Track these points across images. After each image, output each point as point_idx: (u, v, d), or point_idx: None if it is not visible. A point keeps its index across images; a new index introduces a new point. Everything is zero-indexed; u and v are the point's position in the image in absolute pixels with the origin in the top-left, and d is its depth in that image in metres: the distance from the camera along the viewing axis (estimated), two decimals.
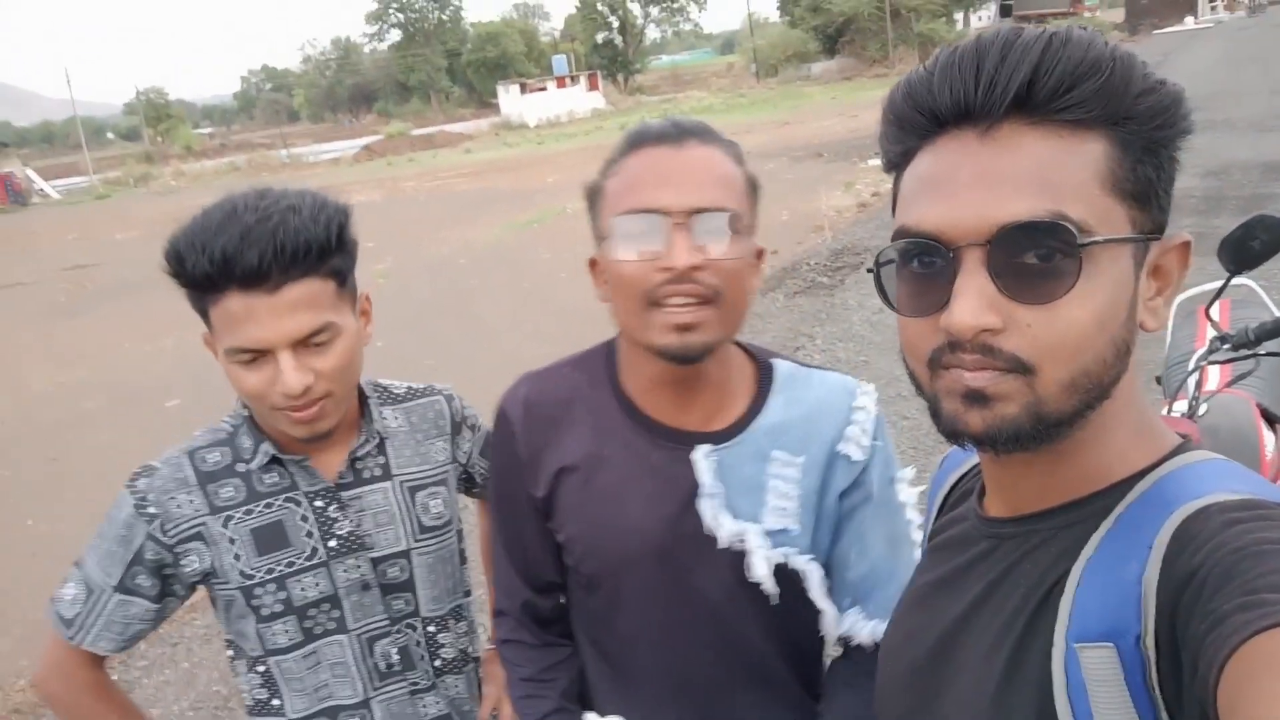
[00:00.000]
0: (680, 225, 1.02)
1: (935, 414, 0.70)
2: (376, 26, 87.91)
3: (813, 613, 1.18)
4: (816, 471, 1.14)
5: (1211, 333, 2.00)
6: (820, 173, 13.78)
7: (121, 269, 13.68)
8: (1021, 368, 0.64)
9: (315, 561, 1.27)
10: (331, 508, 1.28)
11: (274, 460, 1.26)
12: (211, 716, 3.21)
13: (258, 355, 1.14)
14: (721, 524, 1.11)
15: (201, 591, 1.31)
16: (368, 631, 1.31)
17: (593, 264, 1.15)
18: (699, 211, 1.02)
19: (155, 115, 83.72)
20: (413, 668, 1.35)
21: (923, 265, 0.68)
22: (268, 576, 1.25)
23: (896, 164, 0.74)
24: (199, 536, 1.23)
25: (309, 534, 1.26)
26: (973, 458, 0.93)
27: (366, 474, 1.31)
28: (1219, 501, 0.61)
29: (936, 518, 0.93)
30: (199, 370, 7.64)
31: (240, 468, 1.26)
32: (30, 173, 39.32)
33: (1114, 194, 0.64)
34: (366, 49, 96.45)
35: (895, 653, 0.86)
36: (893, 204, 0.75)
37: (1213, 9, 48.80)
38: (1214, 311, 2.05)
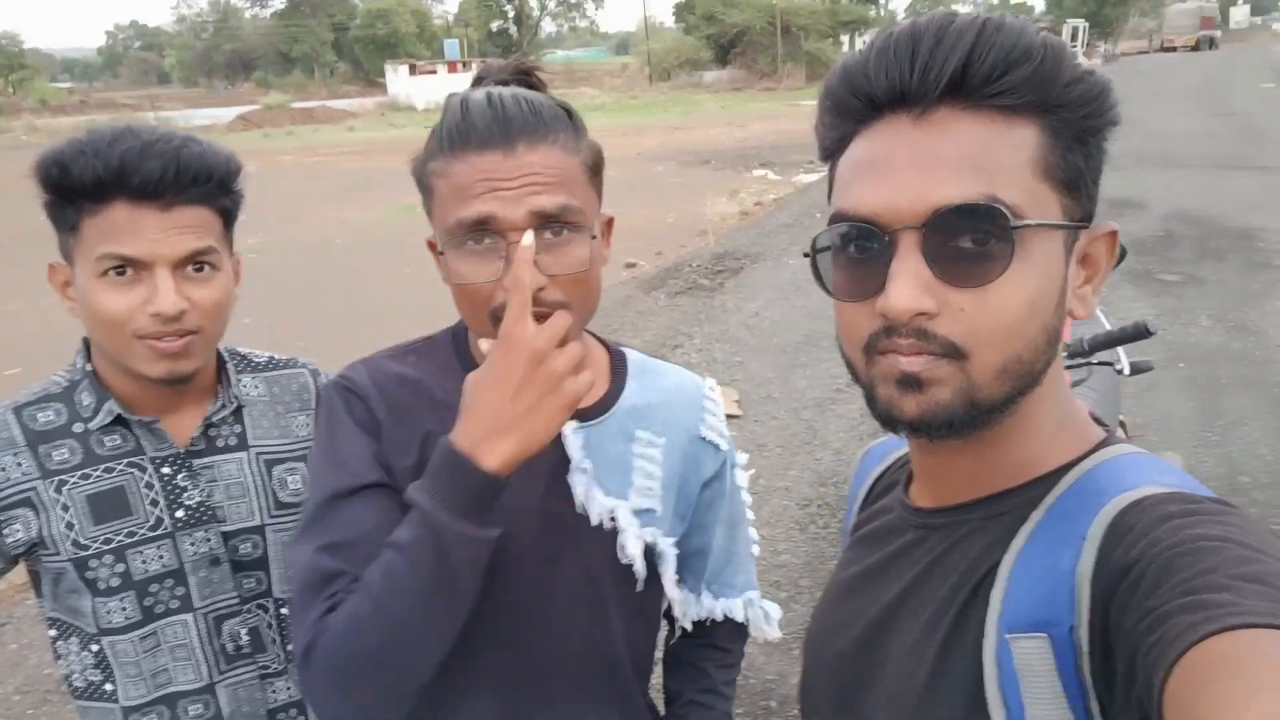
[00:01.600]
0: (517, 244, 0.93)
1: (870, 400, 0.70)
2: None
3: (656, 612, 1.19)
4: (678, 455, 1.15)
5: None
6: (707, 179, 14.04)
7: None
8: (955, 352, 0.64)
9: (160, 532, 1.18)
10: (180, 475, 1.20)
11: (117, 421, 1.17)
12: (41, 700, 3.03)
13: (131, 271, 1.08)
14: (594, 498, 1.07)
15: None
16: (215, 610, 1.23)
17: (431, 245, 1.06)
18: (540, 222, 0.95)
19: (7, 64, 77.48)
20: (263, 650, 1.28)
21: (859, 250, 0.68)
22: (105, 547, 1.15)
23: (832, 151, 0.74)
24: (27, 503, 1.13)
25: (154, 502, 1.18)
26: (895, 452, 0.94)
27: (221, 442, 1.24)
28: (1152, 494, 0.62)
29: (860, 510, 0.93)
30: (46, 339, 7.16)
31: (77, 428, 1.16)
32: None
33: (1046, 180, 0.65)
34: (248, 14, 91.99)
35: (821, 642, 0.86)
36: (828, 191, 0.75)
37: (1074, 56, 52.06)
38: None
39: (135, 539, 1.17)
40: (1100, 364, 2.15)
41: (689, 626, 1.24)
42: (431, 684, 0.99)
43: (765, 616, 1.25)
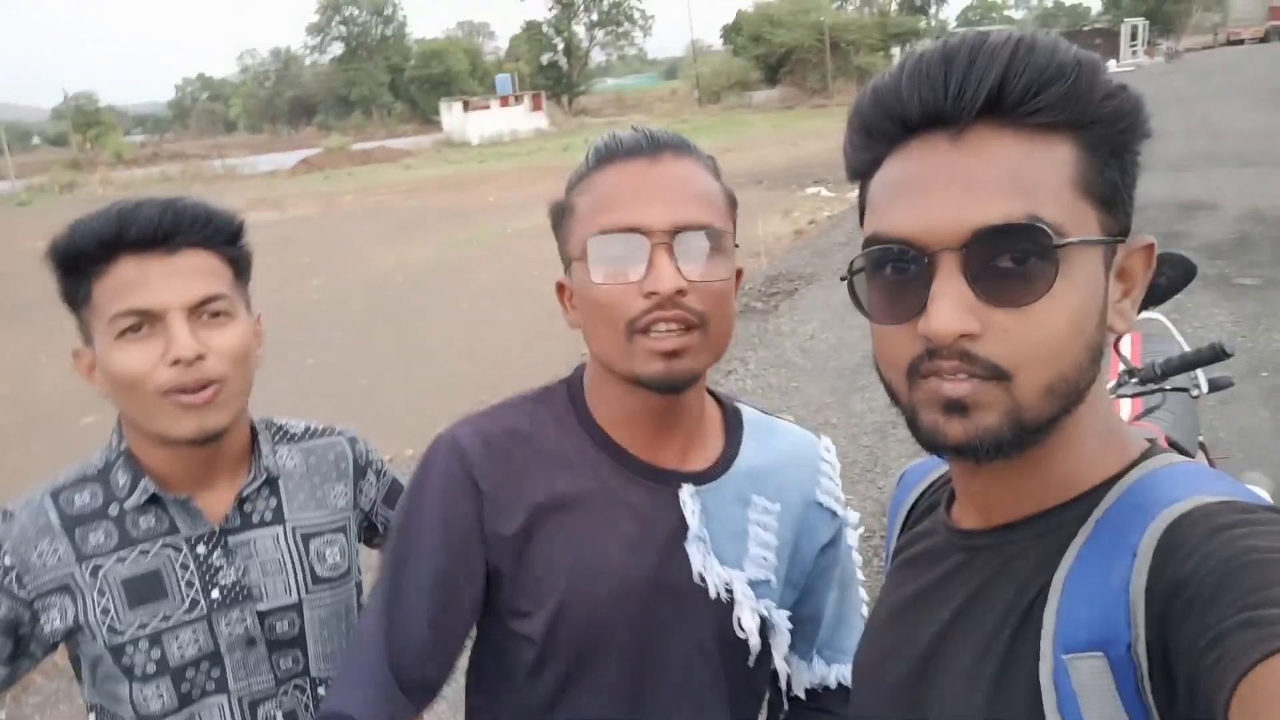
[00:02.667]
0: (662, 245, 0.93)
1: (913, 424, 0.69)
2: (318, 38, 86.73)
3: (764, 684, 1.14)
4: (791, 522, 1.09)
5: (1121, 366, 2.07)
6: (760, 200, 13.95)
7: (41, 280, 13.13)
8: (999, 373, 0.63)
9: (195, 615, 1.14)
10: (215, 554, 1.16)
11: (152, 500, 1.14)
12: None
13: (145, 324, 1.06)
14: (712, 569, 1.02)
15: None
16: (250, 693, 1.19)
17: (560, 288, 1.06)
18: (681, 230, 0.94)
19: (84, 121, 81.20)
20: None
21: (897, 271, 0.67)
22: (140, 633, 1.12)
23: (863, 173, 0.73)
24: (65, 589, 1.10)
25: (189, 584, 1.14)
26: (933, 473, 0.92)
27: (256, 517, 1.20)
28: (1202, 505, 0.61)
29: (900, 534, 0.92)
30: None
31: (112, 510, 1.14)
32: None
33: (1084, 197, 0.65)
34: (307, 61, 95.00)
35: (871, 673, 0.85)
36: (860, 213, 0.74)
37: (1134, 54, 50.90)
38: (1124, 345, 2.12)
39: (171, 623, 1.14)
40: (1175, 390, 2.03)
41: (802, 695, 1.18)
42: None
43: None
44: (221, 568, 1.17)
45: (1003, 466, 0.69)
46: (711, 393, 1.13)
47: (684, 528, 1.03)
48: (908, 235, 0.66)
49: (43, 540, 1.11)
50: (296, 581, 1.22)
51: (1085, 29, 54.36)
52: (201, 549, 1.16)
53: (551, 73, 70.75)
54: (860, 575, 1.20)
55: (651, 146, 0.98)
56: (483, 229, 14.18)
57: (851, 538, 1.18)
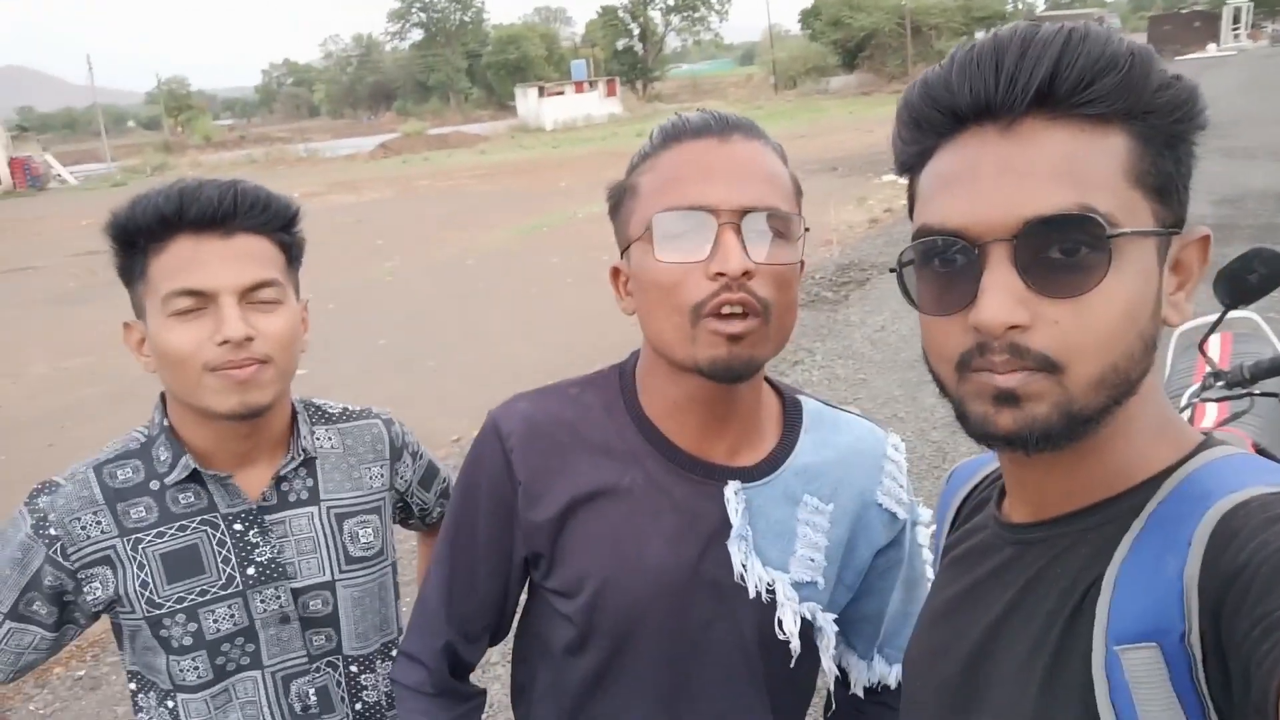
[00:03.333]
0: (729, 225, 0.90)
1: (962, 416, 0.69)
2: (399, 25, 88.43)
3: (810, 682, 1.13)
4: (846, 522, 1.06)
5: (1207, 368, 1.95)
6: (834, 186, 13.74)
7: None
8: (1050, 366, 0.63)
9: (231, 590, 1.17)
10: (252, 532, 1.18)
11: (192, 477, 1.16)
12: None
13: (197, 304, 1.08)
14: (753, 569, 1.00)
15: None
16: (284, 669, 1.21)
17: (614, 273, 1.03)
18: (750, 211, 0.91)
19: (176, 105, 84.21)
20: (331, 710, 1.25)
21: (946, 263, 0.67)
22: (177, 606, 1.15)
23: (911, 166, 0.73)
24: (106, 560, 1.13)
25: (225, 560, 1.17)
26: (983, 470, 0.92)
27: (292, 497, 1.22)
28: (1258, 495, 0.60)
29: (950, 532, 0.91)
30: None
31: (153, 485, 1.16)
32: (49, 158, 39.55)
33: (1138, 187, 0.64)
34: (388, 47, 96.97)
35: (922, 670, 0.84)
36: (909, 206, 0.74)
37: (1235, 37, 48.61)
38: (1211, 346, 2.00)
39: (207, 598, 1.16)
40: (1264, 395, 1.91)
41: (860, 694, 1.16)
42: None
43: None
44: (257, 545, 1.19)
45: (1054, 458, 0.68)
46: (773, 384, 1.10)
47: (727, 525, 1.01)
48: (958, 226, 0.65)
49: (86, 512, 1.14)
50: (330, 561, 1.24)
51: (1183, 11, 52.06)
52: (239, 526, 1.18)
53: (627, 58, 70.76)
54: (930, 573, 1.14)
55: (721, 127, 0.96)
56: (553, 214, 14.28)
57: (923, 536, 1.14)
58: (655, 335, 0.97)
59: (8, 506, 1.20)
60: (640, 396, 1.05)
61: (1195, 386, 2.07)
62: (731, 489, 1.01)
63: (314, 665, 1.24)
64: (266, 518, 1.20)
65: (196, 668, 1.17)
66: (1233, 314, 1.77)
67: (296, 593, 1.21)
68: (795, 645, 1.03)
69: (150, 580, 1.15)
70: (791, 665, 1.05)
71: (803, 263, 1.00)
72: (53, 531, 1.13)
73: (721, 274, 0.89)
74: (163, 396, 1.21)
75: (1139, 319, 0.64)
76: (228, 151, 49.02)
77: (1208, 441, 0.70)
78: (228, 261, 1.09)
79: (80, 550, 1.13)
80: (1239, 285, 1.63)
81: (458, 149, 37.08)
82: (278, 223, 1.15)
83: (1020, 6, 57.45)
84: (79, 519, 1.13)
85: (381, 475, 1.30)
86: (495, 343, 7.49)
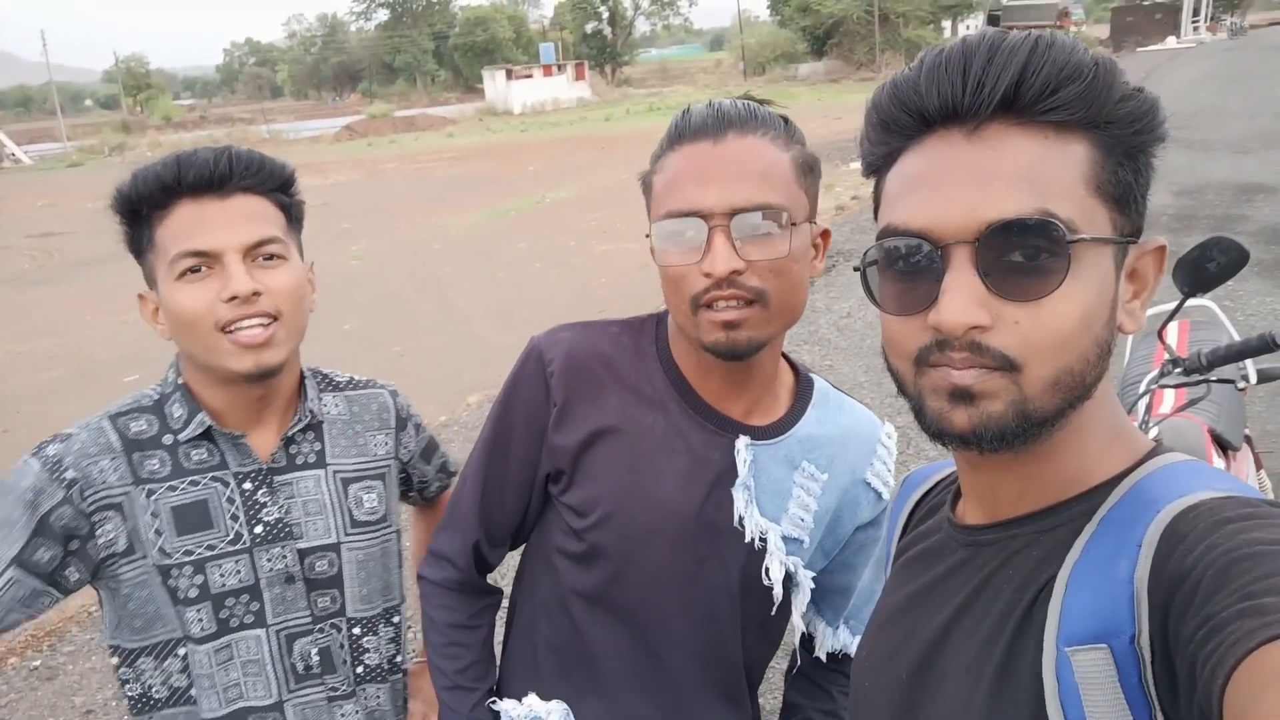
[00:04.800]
0: (719, 228, 0.98)
1: (919, 412, 0.70)
2: (364, 5, 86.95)
3: (779, 635, 1.22)
4: (835, 494, 1.15)
5: (1165, 355, 1.99)
6: None
7: (91, 239, 13.44)
8: (1008, 365, 0.64)
9: (238, 547, 1.19)
10: (260, 491, 1.21)
11: (204, 435, 1.19)
12: None
13: (204, 264, 1.12)
14: (752, 515, 1.11)
15: None
16: (287, 628, 1.23)
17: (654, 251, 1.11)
18: (739, 212, 0.98)
19: (135, 84, 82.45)
20: (333, 671, 1.27)
21: (909, 264, 0.68)
22: (185, 559, 1.17)
23: (878, 167, 0.74)
24: (119, 507, 1.15)
25: (234, 517, 1.19)
26: (937, 475, 0.93)
27: (300, 459, 1.25)
28: (1206, 500, 0.61)
29: (902, 535, 0.93)
30: (161, 345, 7.52)
31: (166, 439, 1.18)
32: (2, 136, 38.60)
33: (1097, 196, 0.65)
34: (353, 27, 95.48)
35: (873, 670, 0.85)
36: (875, 206, 0.75)
37: (1195, 30, 49.32)
38: (1170, 333, 2.05)
39: (215, 552, 1.19)
40: (1220, 381, 1.95)
41: (823, 657, 1.26)
42: (569, 663, 1.18)
43: None
44: (265, 504, 1.22)
45: (1008, 460, 0.70)
46: (791, 362, 1.20)
47: (733, 474, 1.11)
48: (921, 228, 0.67)
49: (104, 458, 1.15)
50: (336, 524, 1.26)
51: (1145, 3, 52.72)
52: (248, 485, 1.21)
53: (596, 42, 70.29)
54: None
55: (716, 126, 1.02)
56: (522, 198, 14.19)
57: None
58: (672, 314, 1.08)
59: None
60: (672, 348, 1.15)
61: (1154, 373, 2.12)
62: (743, 442, 1.11)
63: (318, 626, 1.26)
64: (275, 478, 1.23)
65: (201, 619, 1.19)
66: (1191, 302, 1.81)
67: (302, 553, 1.24)
68: (778, 591, 1.13)
69: (162, 530, 1.17)
70: (772, 613, 1.14)
71: (827, 231, 1.10)
72: (70, 475, 1.13)
73: (710, 274, 0.98)
74: (177, 356, 1.24)
75: (1094, 324, 0.65)
76: (188, 132, 48.06)
77: (1159, 448, 0.71)
78: (229, 221, 1.13)
79: (97, 494, 1.14)
80: (1198, 273, 1.66)
81: (425, 132, 36.68)
82: (273, 183, 1.18)
83: None
84: (96, 463, 1.14)
85: (386, 444, 1.34)
86: (462, 327, 7.45)
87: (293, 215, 1.22)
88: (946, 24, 49.99)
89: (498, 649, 1.30)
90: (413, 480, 1.41)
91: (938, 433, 0.68)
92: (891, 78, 0.71)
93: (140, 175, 1.14)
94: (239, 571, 1.19)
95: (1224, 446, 2.22)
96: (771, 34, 57.11)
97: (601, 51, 69.73)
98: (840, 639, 1.24)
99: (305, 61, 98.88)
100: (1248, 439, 2.48)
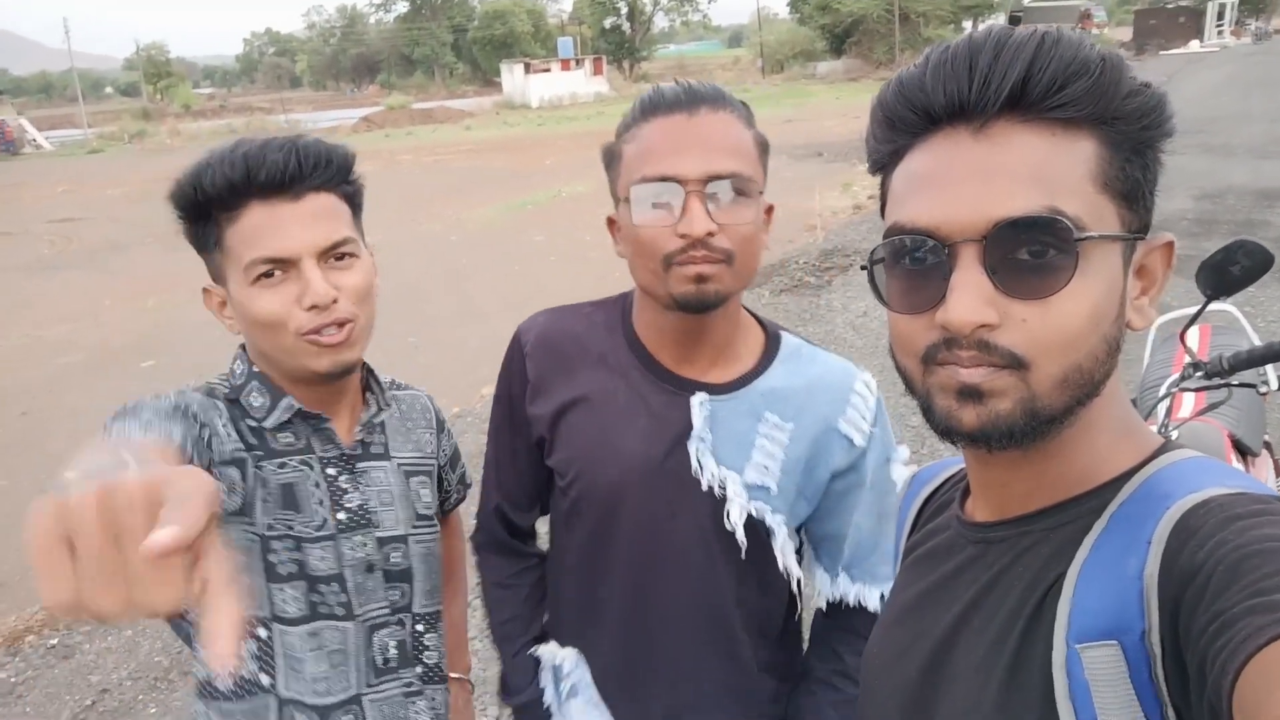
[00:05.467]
0: (695, 192, 1.06)
1: (927, 411, 0.70)
2: None
3: (779, 583, 1.25)
4: (806, 442, 1.19)
5: (1186, 359, 1.98)
6: (819, 172, 13.74)
7: (110, 226, 13.56)
8: (1017, 362, 0.64)
9: (324, 533, 1.18)
10: (343, 477, 1.20)
11: (287, 422, 1.17)
12: (150, 687, 3.16)
13: (279, 270, 1.09)
14: (705, 466, 1.17)
15: None
16: (369, 619, 1.21)
17: (610, 222, 1.21)
18: (713, 179, 1.06)
19: (155, 72, 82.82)
20: (409, 665, 1.26)
21: (916, 262, 0.68)
22: (288, 532, 1.15)
23: (884, 164, 0.74)
24: (241, 465, 1.12)
25: (320, 502, 1.18)
26: (945, 472, 0.93)
27: (373, 449, 1.25)
28: (1216, 496, 0.60)
29: (911, 533, 0.92)
30: (178, 332, 7.58)
31: (249, 424, 1.16)
32: (24, 122, 38.89)
33: (1105, 192, 0.65)
34: (372, 19, 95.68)
35: (882, 669, 0.85)
36: (881, 204, 0.75)
37: (1219, 34, 48.86)
38: (1191, 337, 2.03)
39: (306, 537, 1.17)
40: (1241, 385, 1.94)
41: (823, 606, 1.31)
42: (581, 613, 1.29)
43: None
44: (348, 491, 1.21)
45: (1017, 457, 0.69)
46: (761, 322, 1.27)
47: (690, 428, 1.18)
48: (928, 226, 0.66)
49: (217, 418, 1.12)
50: (404, 515, 1.26)
51: (1168, 6, 52.26)
52: (331, 470, 1.20)
53: (614, 37, 70.19)
54: None
55: (690, 101, 1.10)
56: (538, 192, 14.20)
57: (899, 474, 1.24)
58: (639, 277, 1.15)
59: None
60: (634, 320, 1.25)
61: (1175, 376, 2.10)
62: (697, 399, 1.19)
63: (395, 617, 1.25)
64: (357, 465, 1.23)
65: (296, 598, 1.16)
66: (1212, 307, 1.79)
67: (380, 542, 1.23)
68: (740, 535, 1.18)
69: (270, 499, 1.14)
70: (742, 556, 1.20)
71: (771, 206, 1.17)
72: (199, 416, 1.07)
73: (687, 235, 1.06)
74: (243, 348, 1.22)
75: (1103, 322, 0.65)
76: (207, 120, 48.33)
77: (1168, 445, 0.71)
78: (303, 224, 1.10)
79: (222, 445, 1.10)
80: (1221, 276, 1.65)
81: (442, 124, 36.72)
82: (342, 176, 1.16)
83: None
84: (214, 419, 1.11)
85: (431, 442, 1.35)
86: (478, 319, 7.46)
87: (356, 204, 1.20)
88: (967, 24, 49.66)
89: None
90: (443, 483, 1.41)
91: (946, 431, 0.68)
92: (898, 75, 0.71)
93: (207, 174, 1.09)
94: (325, 559, 1.17)
95: (1243, 452, 2.20)
96: (790, 31, 56.88)
97: (620, 47, 69.64)
98: (840, 588, 1.27)
99: (324, 52, 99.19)
100: (1267, 445, 2.46)
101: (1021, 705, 0.66)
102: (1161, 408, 2.05)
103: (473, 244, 10.79)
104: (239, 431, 1.14)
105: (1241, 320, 2.73)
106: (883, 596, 1.25)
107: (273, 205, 1.09)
